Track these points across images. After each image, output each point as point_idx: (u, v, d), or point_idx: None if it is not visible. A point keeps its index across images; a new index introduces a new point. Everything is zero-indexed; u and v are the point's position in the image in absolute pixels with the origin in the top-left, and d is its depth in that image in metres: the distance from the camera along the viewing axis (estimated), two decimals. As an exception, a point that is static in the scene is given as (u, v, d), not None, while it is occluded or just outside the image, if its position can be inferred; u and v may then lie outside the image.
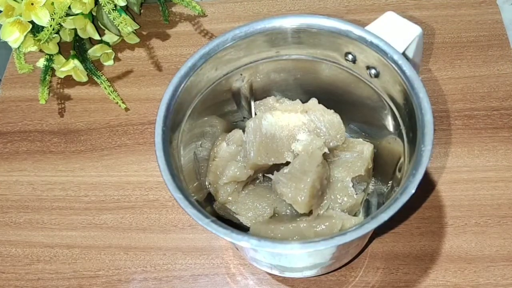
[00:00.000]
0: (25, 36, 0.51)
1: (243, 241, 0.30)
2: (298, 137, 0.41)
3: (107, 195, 0.49)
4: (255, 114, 0.43)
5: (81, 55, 0.55)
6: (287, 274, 0.42)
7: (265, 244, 0.30)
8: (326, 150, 0.40)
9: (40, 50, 0.53)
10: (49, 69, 0.55)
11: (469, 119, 0.49)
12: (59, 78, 0.56)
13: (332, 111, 0.42)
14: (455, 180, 0.46)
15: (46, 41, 0.51)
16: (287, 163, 0.40)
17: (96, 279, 0.45)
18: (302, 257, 0.36)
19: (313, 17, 0.37)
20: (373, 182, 0.43)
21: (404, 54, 0.36)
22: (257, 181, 0.43)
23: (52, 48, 0.53)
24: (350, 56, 0.37)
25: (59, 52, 0.55)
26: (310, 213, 0.40)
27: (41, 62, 0.54)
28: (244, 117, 0.45)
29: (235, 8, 0.60)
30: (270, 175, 0.40)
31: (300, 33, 0.37)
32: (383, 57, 0.35)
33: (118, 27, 0.50)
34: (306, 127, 0.41)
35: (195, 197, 0.34)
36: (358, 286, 0.43)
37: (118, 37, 0.57)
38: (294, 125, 0.41)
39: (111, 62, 0.57)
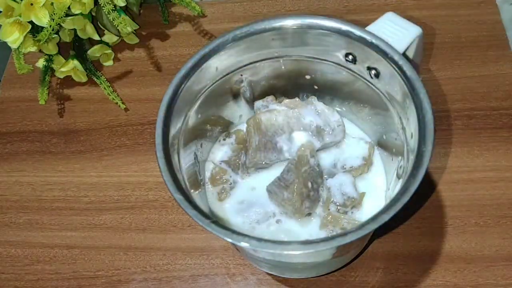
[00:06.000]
0: (25, 37, 0.51)
1: (243, 242, 0.30)
2: (297, 136, 0.41)
3: (107, 195, 0.49)
4: (255, 113, 0.43)
5: (81, 56, 0.55)
6: (287, 275, 0.42)
7: (265, 245, 0.30)
8: (314, 152, 0.40)
9: (40, 51, 0.53)
10: (48, 70, 0.54)
11: (469, 119, 0.49)
12: (59, 78, 0.56)
13: (332, 108, 0.42)
14: (455, 180, 0.46)
15: (45, 41, 0.50)
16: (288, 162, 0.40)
17: (95, 279, 0.45)
18: (303, 258, 0.36)
19: (313, 17, 0.37)
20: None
21: (404, 54, 0.36)
22: None
23: (52, 49, 0.53)
24: (350, 57, 0.37)
25: (59, 53, 0.55)
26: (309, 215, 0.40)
27: (41, 63, 0.54)
28: (244, 117, 0.45)
29: (234, 9, 0.60)
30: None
31: (300, 34, 0.37)
32: (383, 58, 0.35)
33: (117, 28, 0.50)
34: (305, 126, 0.42)
35: (195, 198, 0.34)
36: (358, 286, 0.43)
37: (118, 37, 0.57)
38: (294, 124, 0.41)
39: (110, 63, 0.57)
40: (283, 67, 0.41)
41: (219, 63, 0.38)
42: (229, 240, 0.30)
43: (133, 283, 0.45)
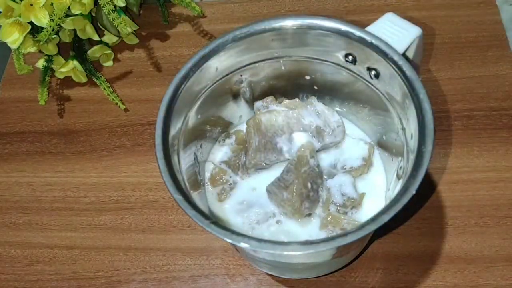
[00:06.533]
0: (24, 37, 0.51)
1: (243, 243, 0.30)
2: (297, 137, 0.41)
3: (107, 196, 0.49)
4: (255, 114, 0.43)
5: (81, 56, 0.55)
6: (287, 275, 0.42)
7: (265, 246, 0.30)
8: (313, 153, 0.40)
9: (40, 51, 0.53)
10: (48, 70, 0.54)
11: (469, 119, 0.49)
12: (58, 78, 0.56)
13: (332, 109, 0.42)
14: (454, 180, 0.46)
15: (45, 42, 0.50)
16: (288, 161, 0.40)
17: (95, 280, 0.45)
18: (302, 258, 0.36)
19: (313, 18, 0.37)
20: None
21: (404, 55, 0.36)
22: None
23: (52, 49, 0.53)
24: (350, 57, 0.37)
25: (59, 53, 0.55)
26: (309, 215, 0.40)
27: (41, 63, 0.54)
28: (244, 117, 0.45)
29: (234, 9, 0.60)
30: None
31: (300, 34, 0.37)
32: (383, 58, 0.35)
33: (117, 28, 0.50)
34: (305, 126, 0.42)
35: (195, 198, 0.34)
36: (358, 287, 0.42)
37: (118, 38, 0.57)
38: (294, 124, 0.41)
39: (110, 63, 0.57)
40: (283, 68, 0.41)
41: (219, 64, 0.38)
42: (229, 240, 0.30)
43: (133, 283, 0.45)
